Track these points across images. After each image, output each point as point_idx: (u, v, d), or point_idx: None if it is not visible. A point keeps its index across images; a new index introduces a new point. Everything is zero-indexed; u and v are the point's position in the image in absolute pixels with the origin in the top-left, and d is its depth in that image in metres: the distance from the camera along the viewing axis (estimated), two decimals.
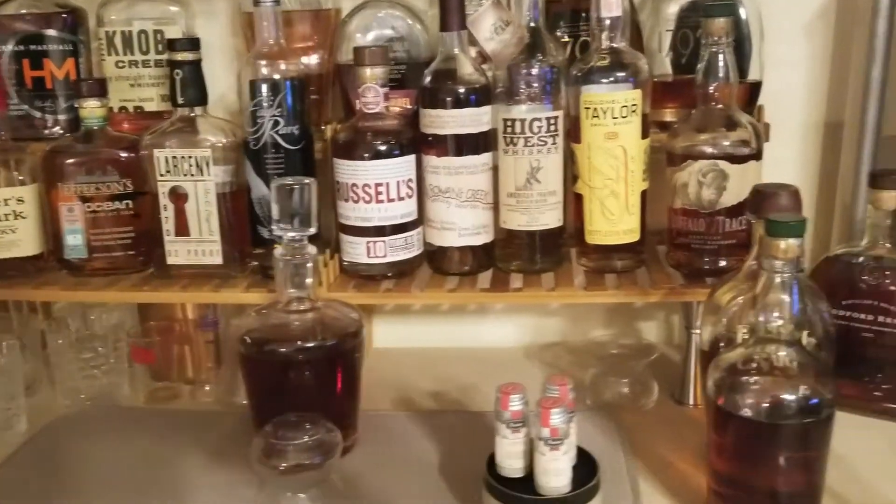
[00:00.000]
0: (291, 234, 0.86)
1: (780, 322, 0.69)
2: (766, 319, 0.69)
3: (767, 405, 0.69)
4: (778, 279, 0.68)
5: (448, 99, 0.93)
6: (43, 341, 1.08)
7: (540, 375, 1.04)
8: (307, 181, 0.86)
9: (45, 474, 0.89)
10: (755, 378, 0.70)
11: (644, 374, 0.99)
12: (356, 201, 0.95)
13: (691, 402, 0.98)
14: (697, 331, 0.97)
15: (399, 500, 0.82)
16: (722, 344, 0.81)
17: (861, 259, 0.92)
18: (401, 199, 0.96)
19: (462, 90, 0.93)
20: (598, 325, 1.17)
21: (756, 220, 0.78)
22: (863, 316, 0.92)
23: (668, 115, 1.01)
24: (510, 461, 0.74)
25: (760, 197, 0.77)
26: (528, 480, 0.74)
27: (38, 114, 1.08)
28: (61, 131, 1.08)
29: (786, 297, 0.68)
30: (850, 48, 1.04)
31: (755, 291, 0.70)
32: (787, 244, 0.67)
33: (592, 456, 0.76)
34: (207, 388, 1.05)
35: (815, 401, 0.69)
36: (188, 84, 0.96)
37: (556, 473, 0.71)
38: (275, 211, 0.86)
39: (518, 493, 0.72)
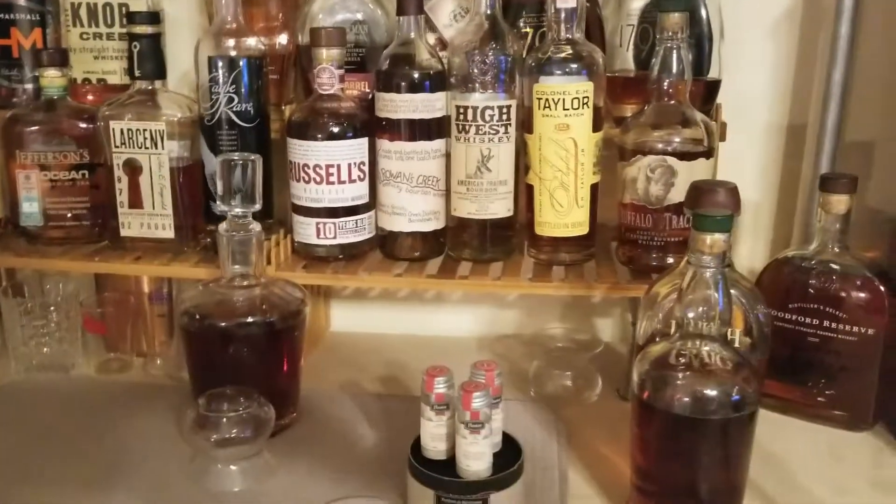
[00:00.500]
0: (235, 209, 0.86)
1: (706, 317, 0.69)
2: (694, 315, 0.69)
3: (689, 400, 0.69)
4: (704, 274, 0.68)
5: (402, 83, 0.93)
6: None
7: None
8: (252, 157, 0.86)
9: None
10: (679, 373, 0.70)
11: (588, 368, 0.99)
12: (307, 182, 0.95)
13: None
14: None
15: (328, 477, 0.82)
16: (657, 339, 0.81)
17: (811, 263, 0.92)
18: (352, 181, 0.96)
19: (416, 75, 0.93)
20: (553, 318, 1.17)
21: (693, 215, 0.78)
22: (809, 320, 0.91)
23: (630, 111, 1.01)
24: (434, 443, 0.74)
25: (697, 192, 0.77)
26: (451, 463, 0.74)
27: (4, 82, 1.09)
28: (27, 101, 1.09)
29: (711, 293, 0.68)
30: (814, 50, 1.03)
31: (681, 287, 0.70)
32: (712, 239, 0.67)
33: (518, 442, 0.76)
34: (159, 361, 1.05)
35: (736, 397, 0.69)
36: (146, 57, 0.97)
37: (476, 457, 0.71)
38: (219, 186, 0.86)
39: (439, 475, 0.72)
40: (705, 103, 0.97)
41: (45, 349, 1.03)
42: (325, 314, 1.19)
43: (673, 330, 0.78)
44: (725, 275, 0.68)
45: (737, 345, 0.76)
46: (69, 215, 1.03)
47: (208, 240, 1.02)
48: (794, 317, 0.92)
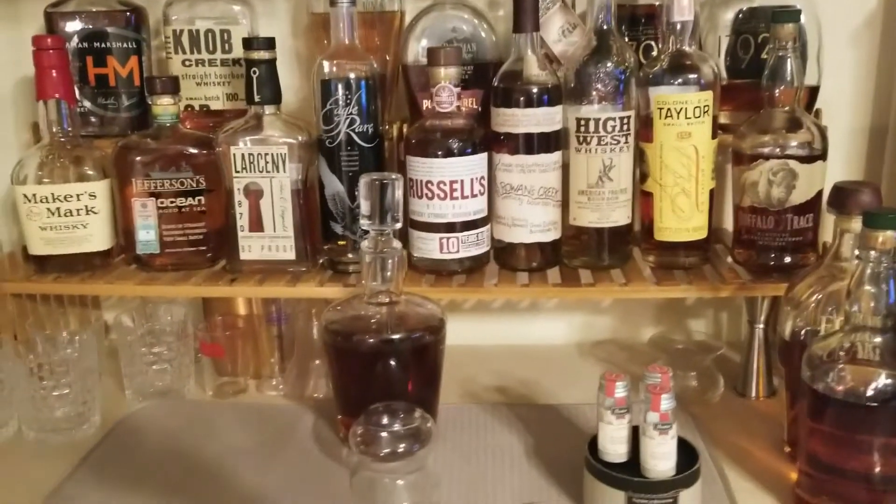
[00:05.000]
0: (378, 228, 0.88)
1: (875, 311, 0.72)
2: (860, 308, 0.72)
3: (863, 389, 0.72)
4: (873, 269, 0.71)
5: (522, 98, 0.96)
6: (105, 335, 1.08)
7: (596, 370, 1.05)
8: (394, 177, 0.88)
9: (132, 466, 0.89)
10: (851, 364, 0.73)
11: (709, 368, 1.02)
12: (430, 198, 0.97)
13: (754, 394, 1.02)
14: (761, 325, 1.01)
15: (491, 486, 0.83)
16: (802, 336, 0.84)
17: None
18: (474, 196, 0.98)
19: (536, 90, 0.96)
20: (647, 322, 1.20)
21: (837, 216, 0.81)
22: None
23: (722, 118, 1.04)
24: (614, 446, 0.76)
25: (843, 194, 0.81)
26: (628, 465, 0.76)
27: (100, 111, 1.09)
28: (118, 129, 1.09)
29: (882, 286, 0.71)
30: (894, 56, 1.08)
31: (848, 282, 0.73)
32: (885, 235, 0.70)
33: (690, 443, 0.78)
34: (274, 381, 1.06)
35: None
36: (264, 82, 0.98)
37: (663, 457, 0.73)
38: (363, 206, 0.87)
39: (625, 476, 0.74)
40: (806, 109, 1.01)
41: (163, 376, 1.03)
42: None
43: (823, 328, 0.82)
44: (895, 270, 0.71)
45: None
46: (184, 241, 1.03)
47: (324, 259, 1.03)
48: None
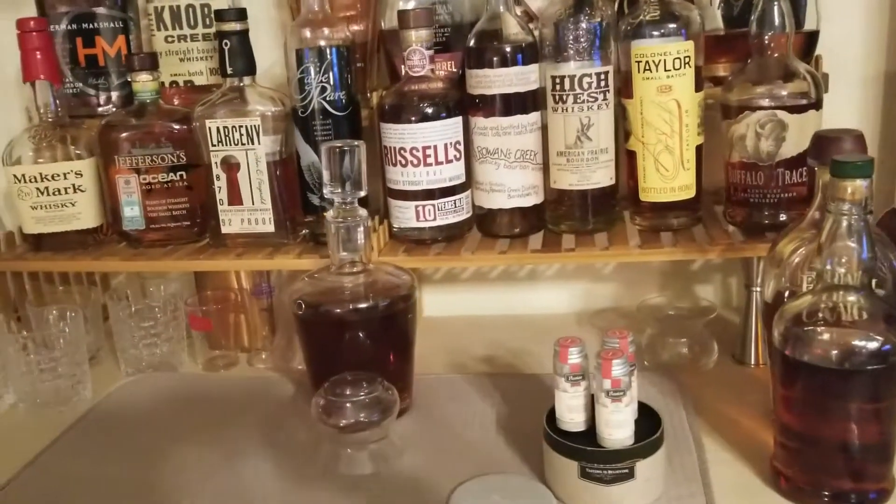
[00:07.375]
0: (342, 197, 0.86)
1: (848, 267, 0.66)
2: (832, 265, 0.67)
3: (837, 352, 0.67)
4: (845, 222, 0.66)
5: (494, 58, 0.92)
6: (105, 314, 1.10)
7: (594, 340, 1.02)
8: (356, 143, 0.86)
9: (111, 437, 0.91)
10: (824, 326, 0.68)
11: (703, 334, 0.97)
12: (404, 165, 0.95)
13: (753, 361, 0.97)
14: (758, 288, 0.96)
15: (455, 457, 0.81)
16: (786, 296, 0.79)
17: None
18: (449, 161, 0.95)
19: (508, 49, 0.92)
20: (652, 289, 1.15)
21: (819, 167, 0.76)
22: None
23: (721, 70, 0.99)
24: (571, 415, 0.73)
25: (823, 142, 0.75)
26: (588, 434, 0.73)
27: (91, 91, 1.10)
28: (114, 108, 1.10)
29: (853, 241, 0.66)
30: None
31: (820, 238, 0.68)
32: (854, 185, 0.65)
33: (655, 410, 0.75)
34: (263, 355, 1.06)
35: (887, 347, 0.66)
36: (236, 54, 0.97)
37: (618, 426, 0.70)
38: (325, 174, 0.86)
39: (582, 446, 0.71)
40: (805, 56, 0.95)
41: (154, 350, 1.04)
42: (419, 299, 1.18)
43: (804, 286, 0.76)
44: (868, 222, 0.66)
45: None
46: (169, 216, 1.03)
47: (306, 231, 1.02)
48: None
